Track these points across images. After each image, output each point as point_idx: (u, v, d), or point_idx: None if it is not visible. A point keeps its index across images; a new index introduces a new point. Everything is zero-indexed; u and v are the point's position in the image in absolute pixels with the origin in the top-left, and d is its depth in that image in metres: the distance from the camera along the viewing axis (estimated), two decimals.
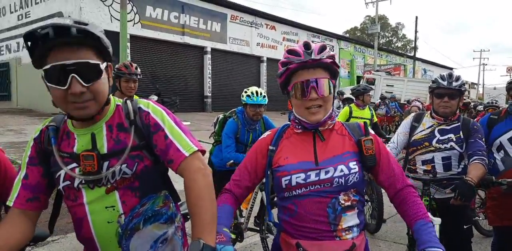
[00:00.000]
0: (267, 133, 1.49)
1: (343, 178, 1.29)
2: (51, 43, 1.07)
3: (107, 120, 1.25)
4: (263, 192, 3.38)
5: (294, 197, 1.32)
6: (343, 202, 1.30)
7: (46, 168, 1.26)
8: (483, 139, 2.39)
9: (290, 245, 1.32)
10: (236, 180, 1.43)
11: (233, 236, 1.07)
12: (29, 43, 1.08)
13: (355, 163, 1.32)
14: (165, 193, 1.29)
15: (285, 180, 1.32)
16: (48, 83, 1.10)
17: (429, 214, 2.20)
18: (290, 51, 1.32)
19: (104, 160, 1.20)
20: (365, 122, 1.45)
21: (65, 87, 1.08)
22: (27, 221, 1.22)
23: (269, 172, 1.41)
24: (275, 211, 1.50)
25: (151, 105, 1.30)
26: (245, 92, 3.28)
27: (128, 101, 1.30)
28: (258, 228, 3.47)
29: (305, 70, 1.30)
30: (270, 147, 1.40)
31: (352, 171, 1.30)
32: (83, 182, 1.20)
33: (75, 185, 1.21)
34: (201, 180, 1.16)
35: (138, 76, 3.36)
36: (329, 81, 1.31)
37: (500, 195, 2.66)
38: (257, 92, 3.26)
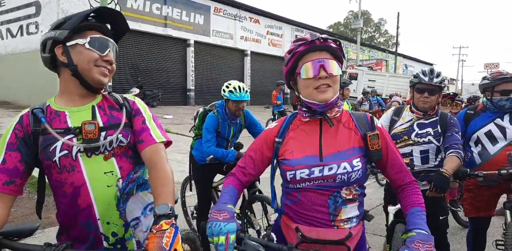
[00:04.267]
0: (274, 123, 1.51)
1: (345, 175, 1.32)
2: (94, 25, 1.36)
3: (97, 102, 1.40)
4: (245, 189, 3.37)
5: (298, 188, 1.37)
6: (344, 195, 1.34)
7: (25, 153, 1.31)
8: (459, 133, 2.45)
9: (290, 228, 1.39)
10: (241, 167, 1.48)
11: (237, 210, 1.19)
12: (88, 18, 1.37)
13: (358, 159, 1.34)
14: None
15: (290, 174, 1.36)
16: (89, 47, 1.31)
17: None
18: (297, 40, 1.37)
19: (101, 131, 1.33)
20: (371, 116, 1.46)
21: (104, 54, 1.33)
22: (1, 206, 1.24)
23: (275, 164, 1.45)
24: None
25: (137, 99, 1.51)
26: (227, 87, 3.16)
27: (113, 93, 1.48)
28: (241, 222, 3.48)
29: (312, 53, 1.33)
30: (277, 139, 1.43)
31: (355, 168, 1.32)
32: (82, 150, 1.30)
33: (73, 153, 1.29)
34: (168, 167, 1.35)
35: None
36: (336, 63, 1.34)
37: (476, 187, 2.74)
38: (239, 87, 3.15)
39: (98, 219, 1.31)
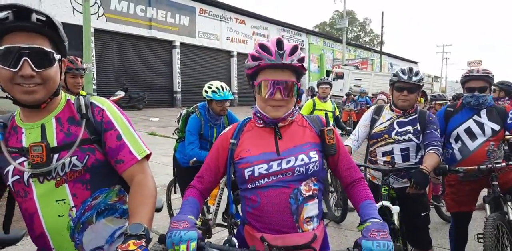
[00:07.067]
0: (228, 127, 1.51)
1: (303, 166, 1.33)
2: (9, 26, 1.09)
3: (57, 114, 1.24)
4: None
5: (257, 188, 1.35)
6: (304, 192, 1.34)
7: None
8: (438, 130, 2.48)
9: (254, 238, 1.36)
10: (199, 177, 1.47)
11: (198, 222, 1.10)
12: None
13: (315, 152, 1.37)
14: (120, 188, 1.32)
15: (248, 171, 1.34)
16: None
17: (388, 202, 2.32)
18: (262, 46, 1.30)
19: (54, 152, 1.19)
20: (326, 114, 1.50)
21: (16, 69, 1.09)
22: None
23: (231, 166, 1.42)
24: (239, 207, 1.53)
25: (106, 103, 1.30)
26: (209, 88, 3.17)
27: (81, 97, 1.30)
28: (226, 224, 3.46)
29: (274, 70, 1.30)
30: (231, 140, 1.42)
31: (313, 160, 1.34)
32: (32, 175, 1.18)
33: (25, 179, 1.19)
34: (152, 183, 1.24)
35: (85, 71, 3.27)
36: (295, 84, 1.33)
37: (457, 182, 2.79)
38: (222, 87, 3.18)
39: (53, 249, 1.23)
